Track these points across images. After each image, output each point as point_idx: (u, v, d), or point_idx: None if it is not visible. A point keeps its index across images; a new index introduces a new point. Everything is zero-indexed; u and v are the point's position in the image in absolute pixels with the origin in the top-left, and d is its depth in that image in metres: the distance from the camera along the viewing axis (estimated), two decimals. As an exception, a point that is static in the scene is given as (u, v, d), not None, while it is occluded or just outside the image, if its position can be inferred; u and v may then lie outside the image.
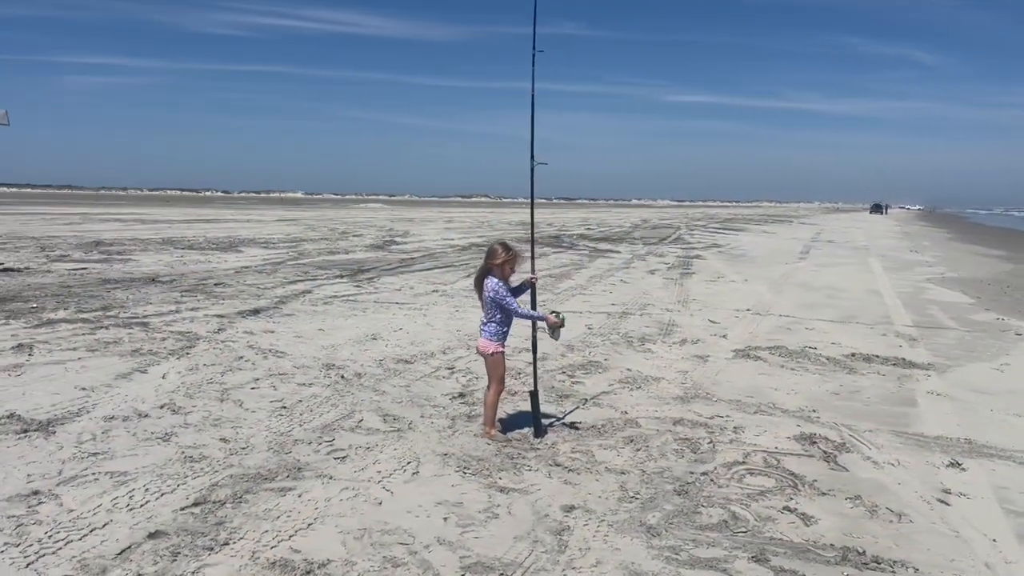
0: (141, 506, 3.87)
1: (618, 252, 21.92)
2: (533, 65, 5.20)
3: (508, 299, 4.99)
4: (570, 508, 4.13)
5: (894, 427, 5.79)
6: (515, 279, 5.19)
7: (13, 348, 6.89)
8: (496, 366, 5.13)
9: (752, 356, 8.08)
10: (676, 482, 4.53)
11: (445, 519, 3.93)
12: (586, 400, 6.16)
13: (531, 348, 5.42)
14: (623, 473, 4.66)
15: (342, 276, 13.69)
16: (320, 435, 5.04)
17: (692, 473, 4.69)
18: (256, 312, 9.39)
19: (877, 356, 8.19)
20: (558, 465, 4.73)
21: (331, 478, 4.36)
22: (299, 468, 4.46)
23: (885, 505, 4.34)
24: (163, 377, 6.15)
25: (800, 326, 10.13)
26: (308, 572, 3.33)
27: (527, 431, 5.27)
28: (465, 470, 4.57)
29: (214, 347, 7.33)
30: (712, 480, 4.60)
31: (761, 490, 4.50)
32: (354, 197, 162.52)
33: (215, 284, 11.96)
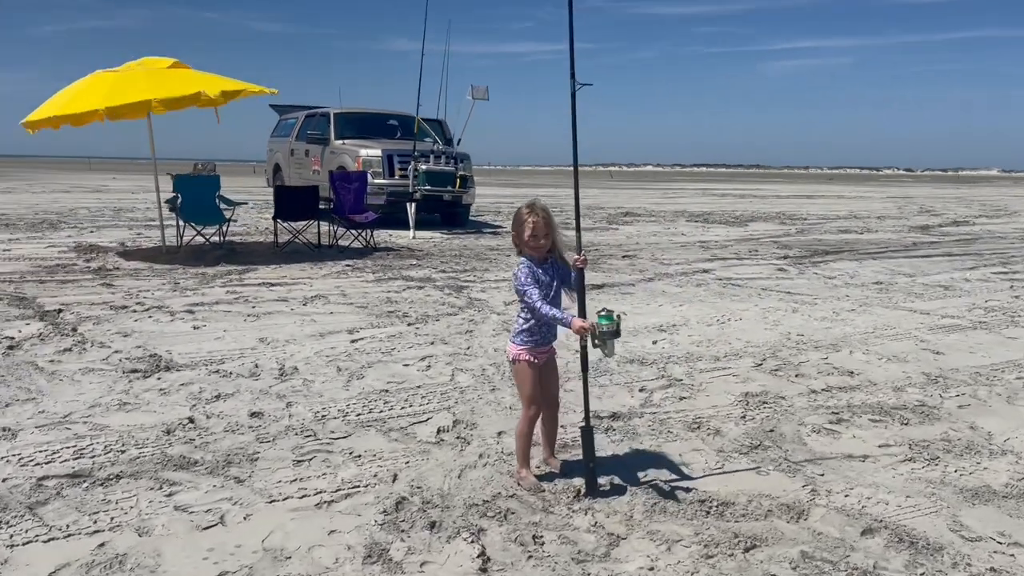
0: (37, 464, 3.62)
1: None
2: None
3: (528, 288, 3.35)
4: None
5: None
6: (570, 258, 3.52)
7: (304, 299, 7.38)
8: (521, 380, 3.54)
9: None
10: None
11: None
12: (779, 462, 3.91)
13: (581, 366, 3.58)
14: (602, 588, 2.75)
15: (787, 257, 11.63)
16: (341, 429, 4.16)
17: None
18: (600, 287, 8.46)
19: None
20: (521, 545, 3.03)
21: (238, 482, 3.52)
22: (231, 463, 3.70)
23: None
24: (352, 342, 5.86)
25: None
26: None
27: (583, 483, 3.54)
28: (393, 514, 3.23)
29: (474, 318, 6.79)
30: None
31: None
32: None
33: (623, 256, 11.25)
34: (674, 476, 3.69)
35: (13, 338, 5.66)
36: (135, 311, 6.65)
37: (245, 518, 3.18)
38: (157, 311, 6.66)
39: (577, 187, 3.67)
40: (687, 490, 3.53)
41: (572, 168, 3.57)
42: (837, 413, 4.64)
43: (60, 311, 6.54)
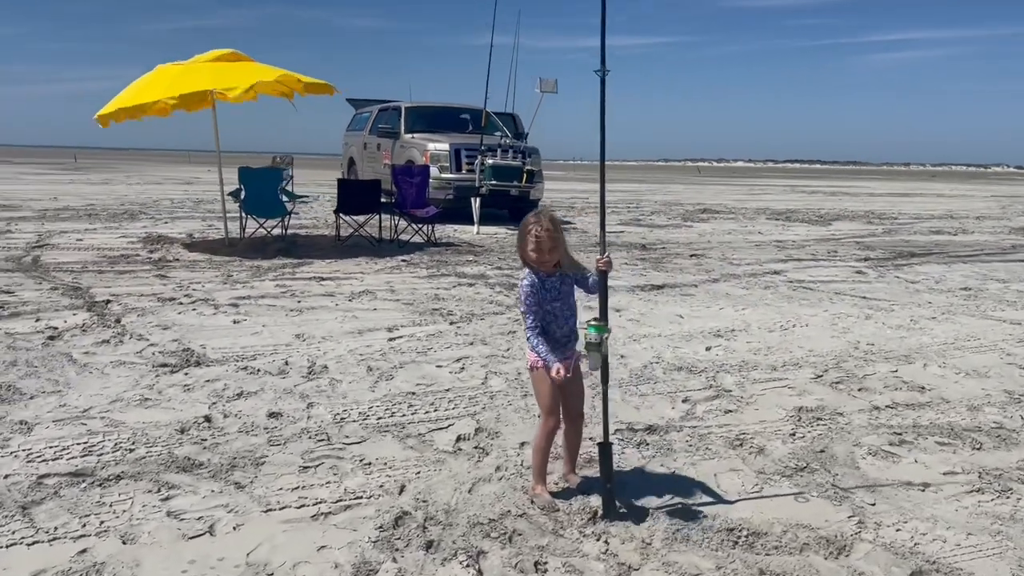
0: (43, 460, 3.56)
1: None
2: None
3: (526, 310, 3.13)
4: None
5: None
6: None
7: (351, 295, 7.26)
8: (538, 388, 3.30)
9: None
10: None
11: (195, 592, 2.63)
12: (825, 488, 3.55)
13: (601, 377, 3.29)
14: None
15: (868, 259, 10.98)
16: (357, 433, 3.98)
17: None
18: (660, 288, 8.09)
19: None
20: (521, 572, 2.79)
21: (238, 488, 3.37)
22: (235, 467, 3.56)
23: None
24: (389, 340, 5.69)
25: None
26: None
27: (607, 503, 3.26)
28: (390, 530, 3.03)
29: (519, 318, 6.54)
30: None
31: None
32: None
33: (691, 254, 10.80)
34: (704, 499, 3.38)
35: (57, 328, 5.70)
36: (181, 303, 6.65)
37: (235, 528, 3.02)
38: (203, 304, 6.64)
39: (603, 181, 3.39)
40: (716, 516, 3.22)
41: (601, 163, 3.30)
42: (900, 434, 4.22)
43: (108, 302, 6.60)
